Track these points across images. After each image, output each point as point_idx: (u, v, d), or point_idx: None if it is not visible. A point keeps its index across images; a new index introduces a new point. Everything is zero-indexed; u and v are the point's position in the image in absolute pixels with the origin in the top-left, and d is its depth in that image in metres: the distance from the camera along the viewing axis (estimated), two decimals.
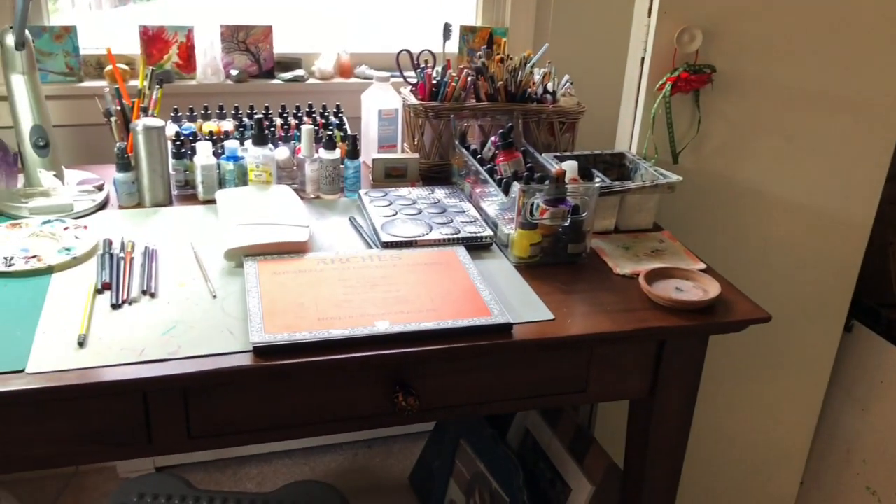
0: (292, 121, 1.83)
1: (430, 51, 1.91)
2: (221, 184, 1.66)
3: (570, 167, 1.53)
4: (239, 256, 1.41)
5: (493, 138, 1.74)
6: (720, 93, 1.77)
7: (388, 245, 1.49)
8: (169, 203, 1.65)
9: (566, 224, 1.46)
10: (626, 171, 1.75)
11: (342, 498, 1.76)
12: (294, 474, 2.34)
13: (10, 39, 1.52)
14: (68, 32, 1.86)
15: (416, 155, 1.84)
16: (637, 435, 1.53)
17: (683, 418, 1.49)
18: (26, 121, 1.58)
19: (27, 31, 1.56)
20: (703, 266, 1.51)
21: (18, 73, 1.56)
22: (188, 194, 1.69)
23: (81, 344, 1.15)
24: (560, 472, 1.89)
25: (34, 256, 1.37)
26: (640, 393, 1.44)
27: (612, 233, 1.64)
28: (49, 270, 1.35)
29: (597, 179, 1.53)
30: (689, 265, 1.50)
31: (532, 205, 1.43)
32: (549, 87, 1.86)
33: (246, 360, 1.15)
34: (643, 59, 1.76)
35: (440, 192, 1.74)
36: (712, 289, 1.39)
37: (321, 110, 1.89)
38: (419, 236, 1.52)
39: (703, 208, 1.88)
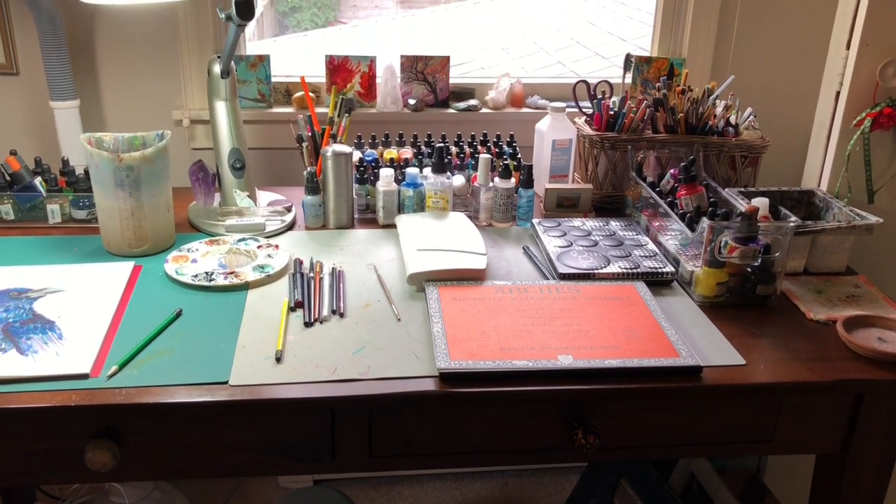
0: (467, 149, 1.85)
1: (607, 81, 1.89)
2: (400, 209, 1.71)
3: (761, 204, 1.46)
4: (420, 281, 1.44)
5: (672, 171, 1.69)
6: None
7: (564, 276, 1.48)
8: (351, 226, 1.71)
9: (756, 264, 1.39)
10: (816, 209, 1.65)
11: None
12: (445, 498, 2.35)
13: (217, 68, 1.63)
14: (262, 61, 1.98)
15: (590, 185, 1.82)
16: (825, 494, 1.42)
17: (880, 479, 1.38)
18: (225, 144, 1.68)
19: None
20: None
21: (221, 100, 1.66)
22: (368, 218, 1.75)
23: (279, 359, 1.20)
24: None
25: (232, 273, 1.45)
26: (830, 448, 1.35)
27: (801, 275, 1.56)
28: (245, 286, 1.42)
29: (791, 219, 1.45)
30: (890, 314, 1.40)
31: (721, 242, 1.37)
32: (732, 119, 1.79)
33: (432, 386, 1.17)
34: (838, 93, 1.67)
35: (615, 224, 1.71)
36: None
37: (495, 139, 1.91)
38: (597, 269, 1.49)
39: None
